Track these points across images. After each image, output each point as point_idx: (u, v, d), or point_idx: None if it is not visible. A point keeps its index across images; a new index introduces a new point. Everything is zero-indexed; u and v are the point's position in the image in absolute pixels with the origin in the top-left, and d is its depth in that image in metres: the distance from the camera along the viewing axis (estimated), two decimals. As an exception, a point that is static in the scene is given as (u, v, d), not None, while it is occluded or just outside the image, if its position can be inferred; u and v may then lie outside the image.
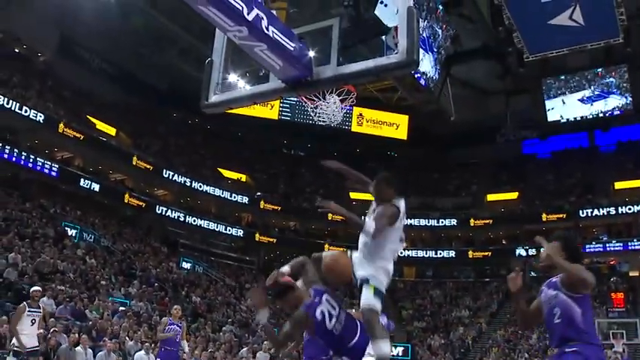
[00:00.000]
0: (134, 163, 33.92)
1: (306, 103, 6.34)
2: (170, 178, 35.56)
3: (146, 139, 37.40)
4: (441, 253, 41.51)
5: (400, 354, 30.65)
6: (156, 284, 25.85)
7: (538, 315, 4.46)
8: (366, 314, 5.30)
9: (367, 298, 5.31)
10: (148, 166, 34.64)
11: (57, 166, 30.13)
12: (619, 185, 39.81)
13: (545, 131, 41.69)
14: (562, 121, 38.10)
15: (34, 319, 10.96)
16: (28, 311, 10.88)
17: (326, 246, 40.46)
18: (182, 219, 35.87)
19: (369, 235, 5.21)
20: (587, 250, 38.10)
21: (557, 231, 4.67)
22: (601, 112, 36.87)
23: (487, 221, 41.58)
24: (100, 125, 34.24)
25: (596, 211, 38.84)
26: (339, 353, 5.35)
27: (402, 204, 5.51)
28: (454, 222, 41.93)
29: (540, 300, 4.40)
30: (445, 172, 45.90)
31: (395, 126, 42.44)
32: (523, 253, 40.00)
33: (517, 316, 5.73)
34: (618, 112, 36.72)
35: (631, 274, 34.79)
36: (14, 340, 10.92)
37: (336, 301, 5.33)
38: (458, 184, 45.73)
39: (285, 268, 5.74)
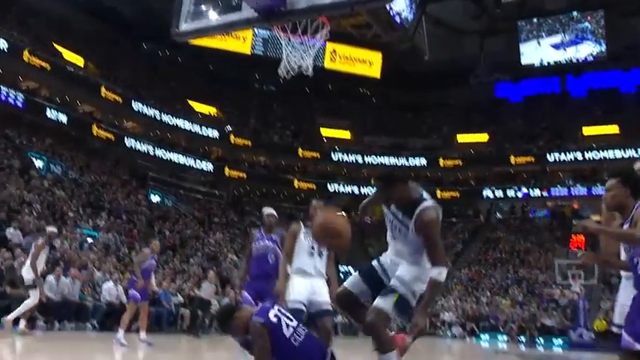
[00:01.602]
0: (102, 94, 33.07)
1: (280, 35, 6.13)
2: (139, 110, 34.89)
3: (115, 71, 36.50)
4: (409, 193, 41.78)
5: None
6: (124, 216, 25.77)
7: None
8: (374, 318, 4.21)
9: (385, 303, 4.24)
10: (117, 98, 33.84)
11: (22, 96, 29.28)
12: (587, 131, 40.35)
13: (518, 74, 41.70)
14: (536, 65, 38.25)
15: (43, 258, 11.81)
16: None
17: (295, 181, 40.69)
18: (151, 152, 35.48)
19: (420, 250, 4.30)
20: (553, 194, 39.01)
21: (615, 169, 4.37)
22: (574, 57, 37.06)
23: (456, 162, 42.04)
24: (67, 54, 33.22)
25: (563, 156, 39.51)
26: None
27: (428, 200, 4.29)
28: (423, 162, 42.25)
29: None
30: (418, 112, 45.90)
31: (368, 63, 42.11)
32: (490, 195, 40.73)
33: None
34: (592, 59, 36.93)
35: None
36: (25, 273, 11.43)
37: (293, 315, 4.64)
38: (430, 124, 45.84)
39: None
